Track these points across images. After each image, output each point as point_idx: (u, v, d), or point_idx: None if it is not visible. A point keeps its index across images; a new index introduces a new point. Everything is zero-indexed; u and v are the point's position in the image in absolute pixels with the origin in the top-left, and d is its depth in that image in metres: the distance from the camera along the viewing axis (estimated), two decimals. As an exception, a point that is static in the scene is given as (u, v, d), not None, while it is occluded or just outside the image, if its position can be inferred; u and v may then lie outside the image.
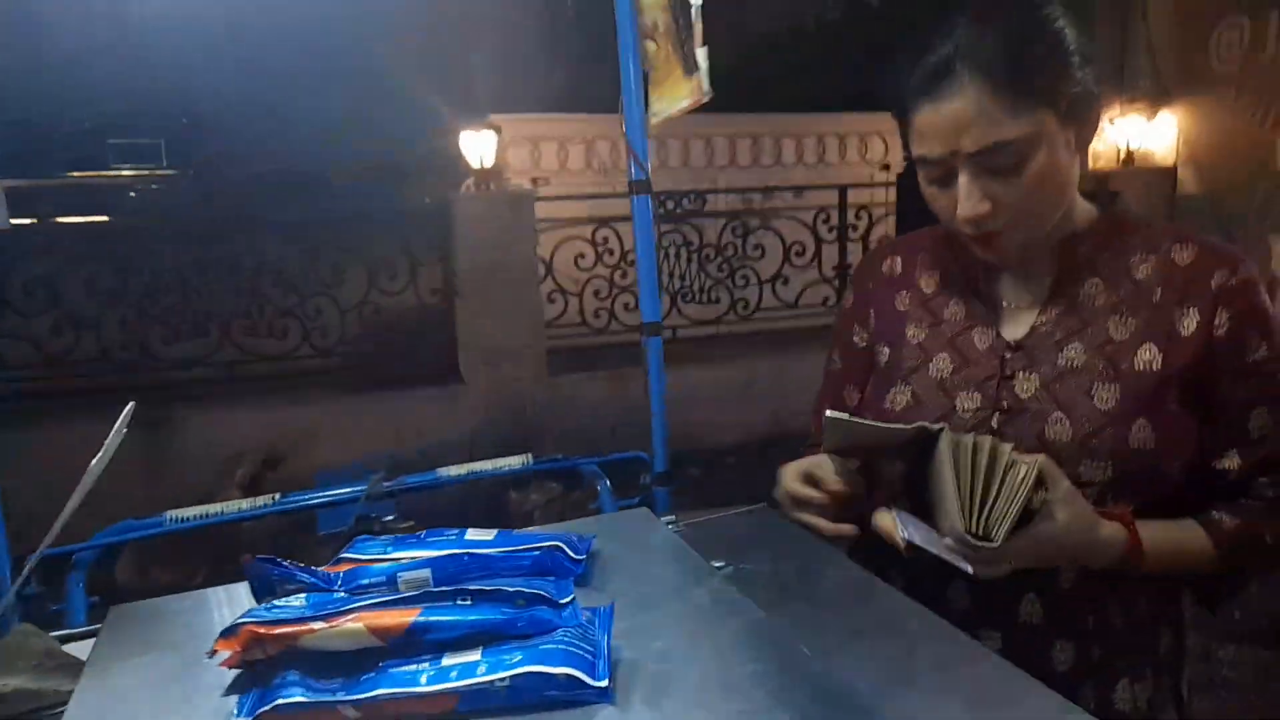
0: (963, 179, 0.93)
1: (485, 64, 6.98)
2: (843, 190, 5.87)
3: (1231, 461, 0.98)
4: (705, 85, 1.24)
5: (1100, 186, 1.10)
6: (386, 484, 1.61)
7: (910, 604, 0.88)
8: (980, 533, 0.84)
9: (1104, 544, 0.91)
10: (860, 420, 0.94)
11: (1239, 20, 5.07)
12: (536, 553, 0.79)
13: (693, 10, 1.20)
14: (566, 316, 5.22)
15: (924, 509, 0.93)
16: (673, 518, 1.12)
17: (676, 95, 1.25)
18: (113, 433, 0.74)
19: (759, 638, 0.72)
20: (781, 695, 0.63)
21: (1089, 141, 0.98)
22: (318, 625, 0.65)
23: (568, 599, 0.71)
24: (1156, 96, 5.61)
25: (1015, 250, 0.99)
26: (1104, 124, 5.65)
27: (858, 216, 5.85)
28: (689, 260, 5.57)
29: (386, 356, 4.99)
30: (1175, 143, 5.56)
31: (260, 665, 0.67)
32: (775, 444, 1.28)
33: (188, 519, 1.54)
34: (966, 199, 0.94)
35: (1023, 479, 0.84)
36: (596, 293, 5.27)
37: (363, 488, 1.57)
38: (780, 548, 1.00)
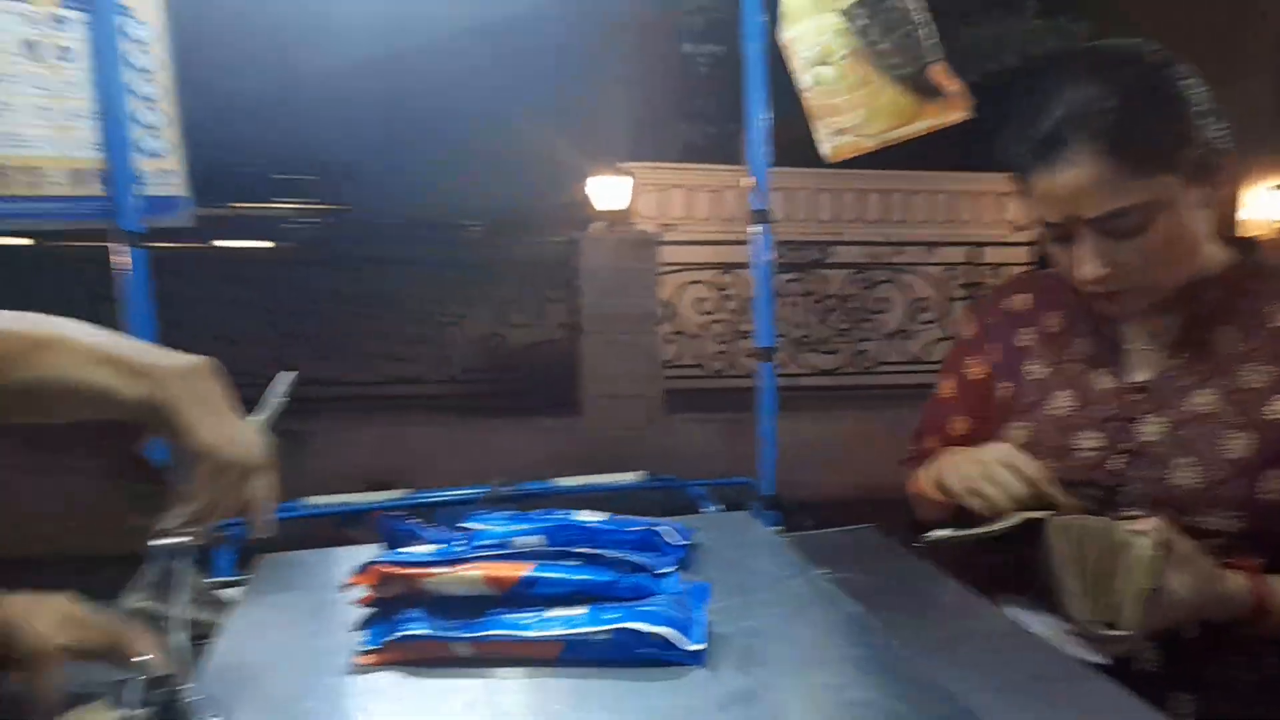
0: (1083, 243, 0.93)
1: (619, 116, 7.24)
2: (976, 246, 5.76)
3: None
4: (963, 101, 1.24)
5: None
6: (505, 489, 1.69)
7: (1013, 624, 0.88)
8: (1107, 619, 0.82)
9: (1229, 597, 0.88)
10: (959, 534, 0.94)
11: None
12: (639, 533, 0.84)
13: (922, 30, 1.21)
14: (685, 358, 5.29)
15: (1040, 596, 0.91)
16: (772, 528, 1.14)
17: (909, 112, 1.24)
18: (273, 396, 0.84)
19: (851, 627, 0.74)
20: (869, 676, 0.65)
21: (1219, 194, 0.96)
22: (441, 570, 0.72)
23: (668, 570, 0.76)
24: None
25: (1138, 308, 0.98)
26: (1264, 191, 5.36)
27: (989, 276, 5.72)
28: (809, 311, 5.56)
29: (510, 387, 5.18)
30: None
31: (388, 604, 0.74)
32: (885, 501, 1.29)
33: (320, 506, 1.66)
34: (1086, 263, 0.93)
35: (1150, 557, 0.81)
36: (716, 336, 5.33)
37: (484, 490, 1.66)
38: (881, 563, 1.01)
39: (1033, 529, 0.89)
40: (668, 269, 5.23)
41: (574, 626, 0.68)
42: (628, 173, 5.60)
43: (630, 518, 0.89)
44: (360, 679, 0.68)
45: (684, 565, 0.84)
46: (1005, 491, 0.94)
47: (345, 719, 0.64)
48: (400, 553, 0.76)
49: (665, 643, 0.67)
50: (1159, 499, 0.95)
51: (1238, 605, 0.88)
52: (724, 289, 5.29)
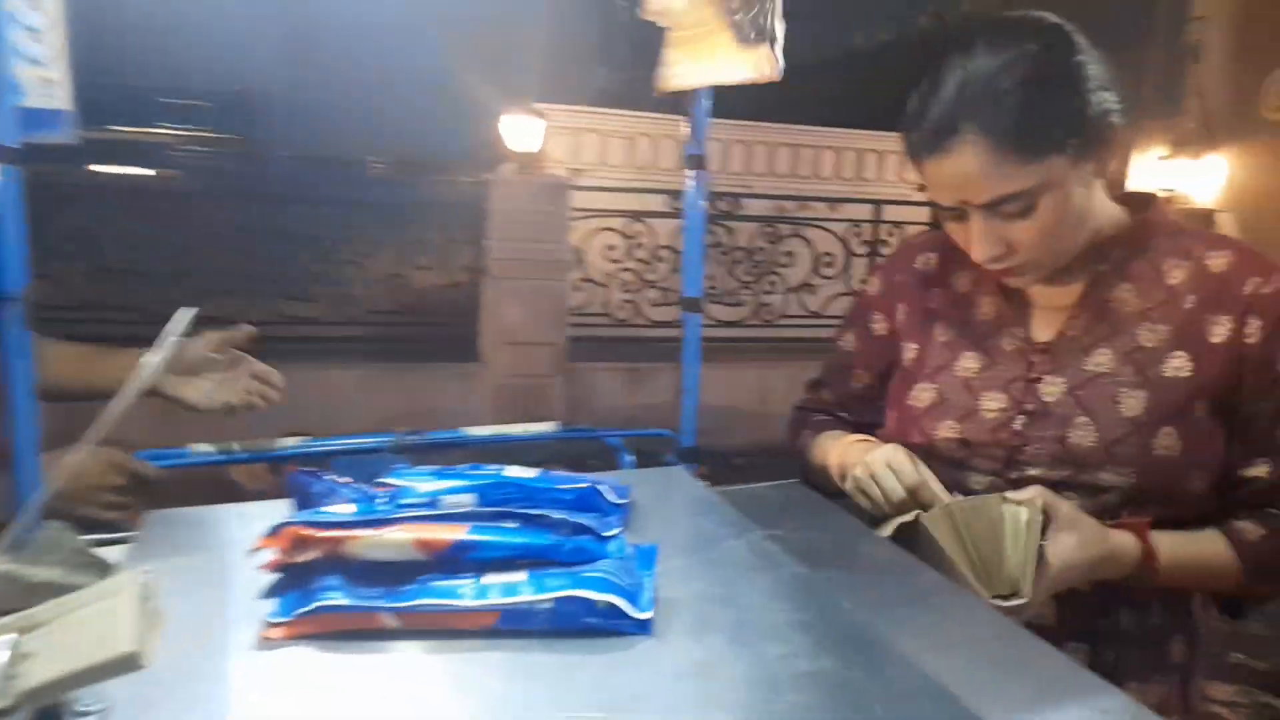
0: (975, 225, 0.94)
1: (534, 56, 7.02)
2: (877, 205, 5.86)
3: (1259, 471, 0.96)
4: (780, 61, 1.22)
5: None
6: (410, 438, 1.61)
7: (946, 583, 0.87)
8: (1006, 591, 0.84)
9: (1117, 555, 0.91)
10: None
11: (1293, 70, 5.03)
12: (579, 490, 0.79)
13: None
14: (592, 306, 5.23)
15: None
16: (703, 483, 1.11)
17: (730, 62, 1.22)
18: (169, 333, 0.74)
19: (799, 589, 0.71)
20: (824, 643, 0.62)
21: (1110, 161, 0.97)
22: (364, 533, 0.65)
23: (613, 532, 0.71)
24: (1204, 140, 5.56)
25: (1037, 277, 0.99)
26: (1152, 160, 5.61)
27: (890, 233, 5.83)
28: (717, 263, 5.56)
29: (413, 331, 5.01)
30: (1219, 187, 5.51)
31: (300, 570, 0.67)
32: (786, 452, 1.29)
33: (211, 453, 1.54)
34: (980, 243, 0.94)
35: (1026, 523, 0.84)
36: (624, 285, 5.27)
37: (388, 439, 1.58)
38: (814, 520, 0.99)
39: (908, 529, 0.91)
40: (578, 215, 5.12)
41: (513, 594, 0.62)
42: (540, 114, 5.43)
43: (562, 473, 0.84)
44: (268, 655, 0.61)
45: (623, 525, 0.80)
46: (888, 495, 0.97)
47: (249, 703, 0.57)
48: (318, 513, 0.69)
49: (613, 611, 0.62)
50: (1058, 457, 0.97)
51: (1127, 563, 0.92)
52: (634, 237, 5.23)
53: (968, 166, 0.90)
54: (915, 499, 0.96)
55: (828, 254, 5.67)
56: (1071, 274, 1.02)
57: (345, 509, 0.70)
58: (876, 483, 0.99)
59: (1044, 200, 0.91)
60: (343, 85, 7.14)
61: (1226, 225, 5.40)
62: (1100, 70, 0.92)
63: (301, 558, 0.66)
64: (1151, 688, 0.99)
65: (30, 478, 0.93)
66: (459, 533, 0.65)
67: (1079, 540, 0.88)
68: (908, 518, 0.91)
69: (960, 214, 0.96)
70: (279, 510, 0.85)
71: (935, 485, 0.97)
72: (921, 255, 1.16)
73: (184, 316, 0.78)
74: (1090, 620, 0.97)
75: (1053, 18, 0.94)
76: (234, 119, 7.65)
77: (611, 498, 0.80)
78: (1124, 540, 0.92)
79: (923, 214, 6.62)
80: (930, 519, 0.89)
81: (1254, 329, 0.94)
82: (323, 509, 0.70)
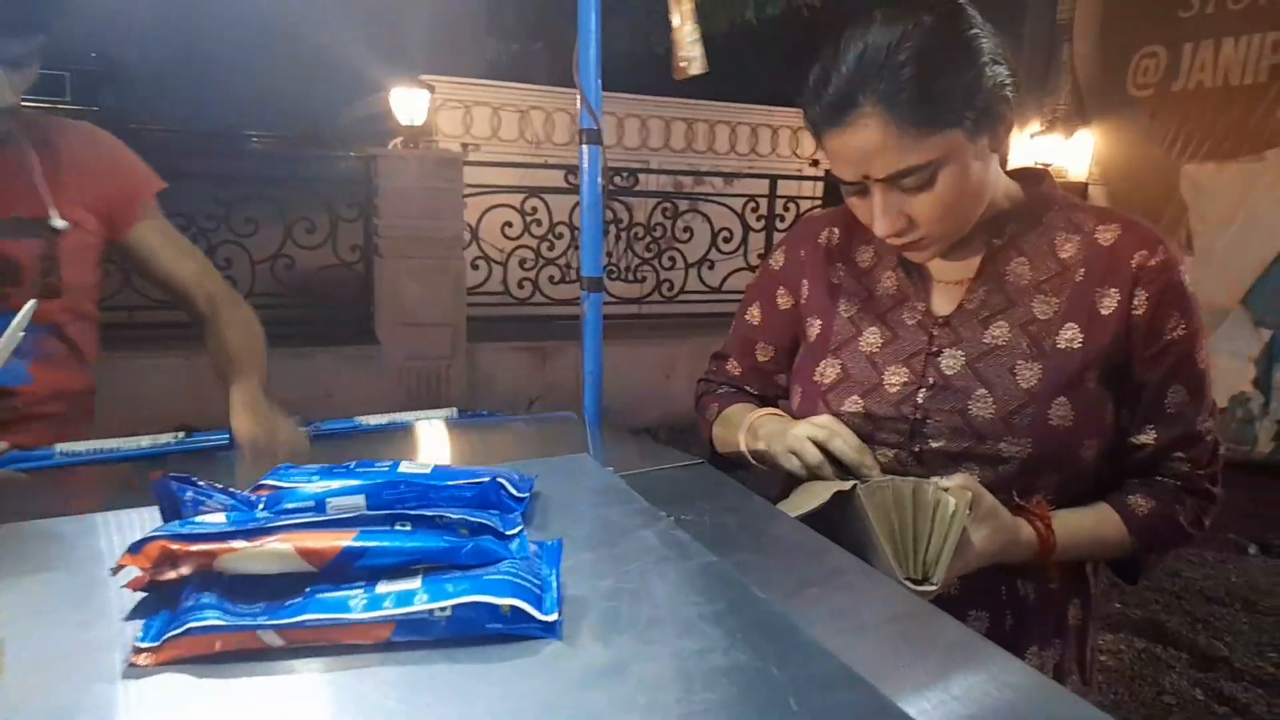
0: (876, 199, 0.95)
1: (421, 27, 6.79)
2: (773, 180, 5.92)
3: (1147, 438, 1.00)
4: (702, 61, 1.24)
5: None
6: (303, 428, 1.52)
7: (853, 560, 0.87)
8: (918, 575, 0.86)
9: (1022, 547, 0.94)
10: (788, 512, 0.94)
11: (1156, 49, 5.30)
12: (478, 486, 0.75)
13: None
14: (489, 285, 5.12)
15: (849, 550, 0.93)
16: (610, 469, 1.08)
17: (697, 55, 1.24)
18: (10, 329, 0.66)
19: (711, 579, 0.69)
20: (738, 635, 0.61)
21: (1007, 136, 0.99)
22: (239, 544, 0.60)
23: (515, 530, 0.67)
24: (1075, 116, 5.82)
25: (934, 255, 1.01)
26: (1026, 138, 5.84)
27: (785, 208, 5.91)
28: (617, 239, 5.53)
29: (300, 314, 4.81)
30: (1089, 161, 5.79)
31: (169, 588, 0.61)
32: (693, 426, 1.28)
33: (80, 453, 1.43)
34: (881, 217, 0.95)
35: (953, 514, 0.86)
36: (522, 263, 5.18)
37: (276, 432, 1.49)
38: (721, 502, 0.98)
39: (842, 496, 0.92)
40: (472, 191, 5.00)
41: (408, 603, 0.58)
42: (428, 86, 5.26)
43: (464, 468, 0.79)
44: (137, 684, 0.55)
45: (526, 519, 0.76)
46: (812, 461, 0.98)
47: (118, 737, 0.51)
48: (187, 524, 0.63)
49: (517, 614, 0.59)
50: (959, 429, 0.99)
51: (1030, 552, 0.96)
52: (531, 214, 5.14)
53: (868, 140, 0.90)
54: (846, 469, 0.97)
55: (725, 229, 5.71)
56: (969, 247, 1.03)
57: (218, 518, 0.64)
58: (802, 451, 0.99)
59: (943, 173, 0.91)
60: (218, 55, 6.75)
61: (1099, 199, 5.68)
62: (993, 45, 0.93)
63: (170, 575, 0.60)
64: (1050, 651, 1.02)
65: None
66: (346, 539, 0.61)
67: (993, 534, 0.91)
68: (844, 486, 0.91)
69: (862, 189, 0.96)
70: (141, 521, 0.78)
71: (865, 456, 0.99)
72: (825, 230, 1.16)
73: (29, 309, 0.70)
74: (991, 590, 1.00)
75: None
76: (96, 91, 7.15)
77: (514, 491, 0.77)
78: (1028, 533, 0.95)
79: (817, 189, 6.75)
80: (866, 491, 0.89)
81: (1141, 301, 0.97)
82: (193, 519, 0.64)
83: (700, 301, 5.63)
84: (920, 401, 1.01)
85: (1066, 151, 5.86)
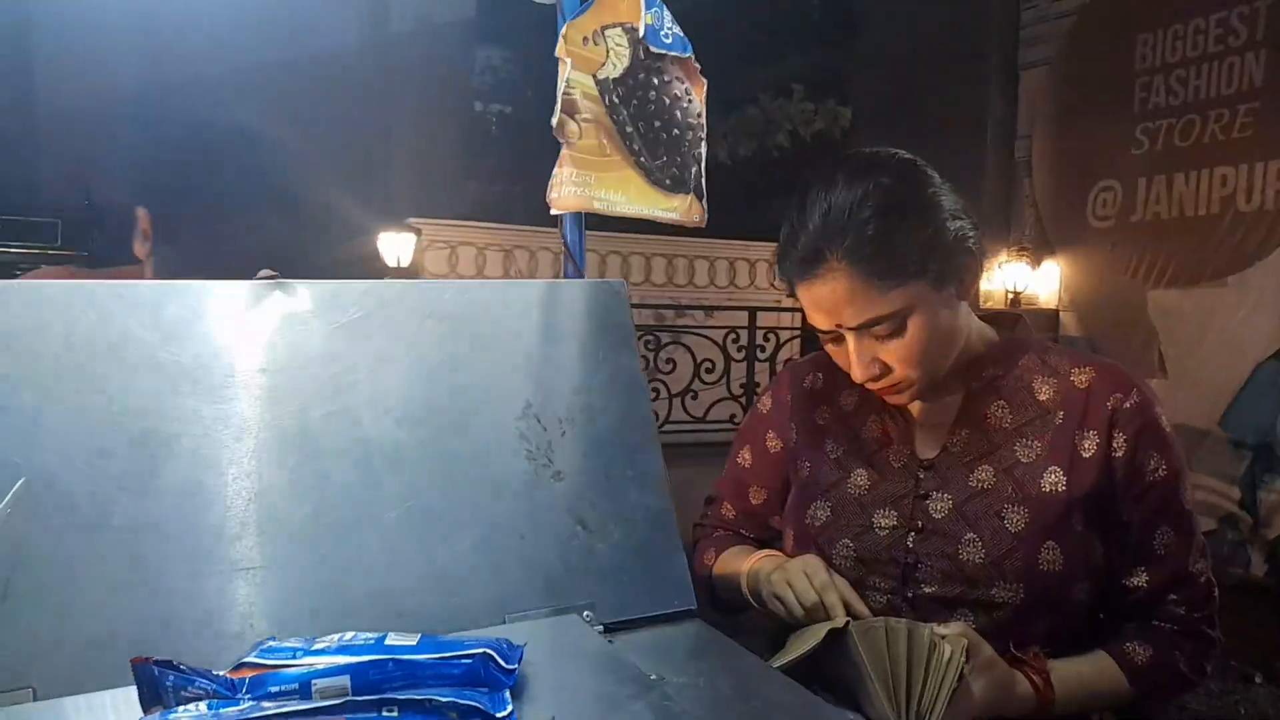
0: (850, 346, 0.99)
1: (408, 173, 7.05)
2: (752, 312, 6.06)
3: (1140, 579, 1.00)
4: (704, 212, 1.28)
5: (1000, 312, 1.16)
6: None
7: (843, 716, 0.85)
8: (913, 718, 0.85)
9: (1019, 700, 0.93)
10: (784, 660, 0.94)
11: (1112, 183, 5.56)
12: (467, 661, 0.73)
13: (696, 133, 1.22)
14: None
15: (844, 696, 0.92)
16: (600, 626, 1.06)
17: (649, 198, 1.25)
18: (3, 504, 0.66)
19: (707, 758, 0.67)
20: (737, 823, 0.58)
21: (973, 285, 1.04)
22: (221, 739, 0.58)
23: (505, 712, 0.66)
24: (1040, 247, 6.05)
25: (915, 395, 1.03)
26: (995, 267, 6.04)
27: (765, 338, 6.02)
28: (601, 372, 5.57)
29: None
30: (1058, 289, 5.97)
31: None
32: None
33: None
34: (856, 363, 0.99)
35: (949, 660, 0.86)
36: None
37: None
38: (713, 661, 0.95)
39: (836, 637, 0.91)
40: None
41: (395, 798, 0.56)
42: (414, 229, 5.42)
43: (453, 638, 0.77)
44: None
45: (515, 692, 0.74)
46: (800, 598, 0.98)
47: None
48: (167, 716, 0.61)
49: (507, 809, 0.57)
50: (950, 575, 0.98)
51: (1026, 706, 0.94)
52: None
53: (836, 291, 0.94)
54: (827, 607, 0.96)
55: (708, 360, 5.79)
56: (948, 391, 1.06)
57: (200, 708, 0.62)
58: (790, 587, 0.99)
59: (912, 321, 0.95)
60: (209, 199, 6.94)
61: (1070, 325, 5.83)
62: (952, 200, 0.98)
63: (147, 774, 0.58)
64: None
65: None
66: (333, 729, 0.59)
67: (990, 686, 0.90)
68: (838, 623, 0.90)
69: (837, 336, 0.99)
70: (123, 701, 0.75)
71: (849, 594, 0.98)
72: (809, 375, 1.19)
73: (22, 489, 0.70)
74: None
75: (905, 154, 1.00)
76: (86, 236, 7.29)
77: (502, 664, 0.75)
78: (1025, 686, 0.94)
79: (795, 320, 6.89)
80: (860, 629, 0.88)
81: (1120, 443, 0.99)
82: (174, 710, 0.62)
83: (685, 431, 5.64)
84: (910, 545, 1.01)
85: (1036, 280, 6.05)
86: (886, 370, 0.98)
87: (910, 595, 1.01)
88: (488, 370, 0.96)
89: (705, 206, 1.30)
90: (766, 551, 1.14)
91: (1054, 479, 0.99)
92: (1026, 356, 1.07)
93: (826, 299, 0.96)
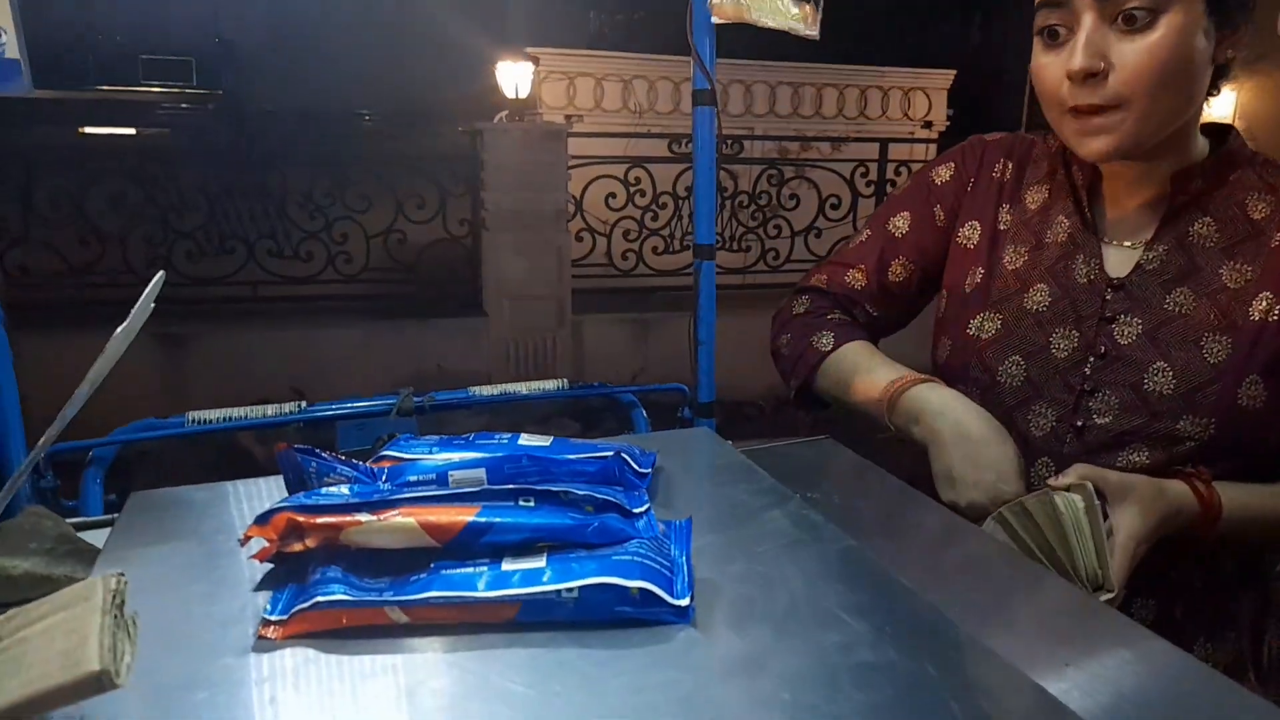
0: (1085, 26, 0.82)
1: (525, 1, 6.81)
2: (883, 144, 5.71)
3: None
4: (815, 27, 1.21)
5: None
6: (417, 399, 1.54)
7: (998, 545, 0.81)
8: (1090, 588, 0.79)
9: (1177, 509, 0.84)
10: None
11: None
12: (601, 461, 0.72)
13: None
14: (593, 256, 5.12)
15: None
16: (730, 444, 1.03)
17: (781, 11, 1.23)
18: (139, 303, 0.66)
19: (850, 566, 0.64)
20: (885, 629, 0.56)
21: (1228, 58, 0.88)
22: (364, 517, 0.58)
23: (642, 508, 0.64)
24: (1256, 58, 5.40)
25: (1121, 144, 0.86)
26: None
27: (897, 172, 5.70)
28: (721, 207, 5.43)
29: (410, 288, 4.93)
30: (1233, 110, 5.36)
31: (296, 559, 0.60)
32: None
33: (209, 421, 1.48)
34: (1081, 49, 0.82)
35: (1086, 509, 0.79)
36: (626, 234, 5.16)
37: (393, 401, 1.51)
38: (851, 482, 0.92)
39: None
40: (576, 163, 5.00)
41: (534, 583, 0.55)
42: (532, 58, 5.27)
43: (584, 442, 0.76)
44: (266, 658, 0.54)
45: (649, 497, 0.73)
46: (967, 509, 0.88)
47: (249, 711, 0.50)
48: (311, 495, 0.62)
49: (647, 598, 0.55)
50: (1129, 406, 0.89)
51: (1188, 514, 0.85)
52: (635, 184, 5.10)
53: None
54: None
55: (834, 196, 5.55)
56: (1147, 204, 0.93)
57: (341, 489, 0.62)
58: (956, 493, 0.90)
59: (1166, 20, 0.80)
60: (329, 36, 6.94)
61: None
62: None
63: (296, 547, 0.59)
64: (1222, 645, 0.93)
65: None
66: (470, 514, 0.58)
67: (1139, 509, 0.82)
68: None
69: (1066, 27, 0.84)
70: (270, 491, 0.78)
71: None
72: (999, 160, 1.04)
73: (159, 282, 0.70)
74: (1158, 575, 0.90)
75: None
76: (217, 75, 7.46)
77: (636, 467, 0.73)
78: (1180, 492, 0.85)
79: (930, 152, 6.48)
80: (997, 519, 0.83)
81: None
82: (318, 490, 0.63)
83: (805, 271, 5.50)
84: (1089, 372, 0.92)
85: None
86: (1106, 78, 0.82)
87: (1079, 424, 0.92)
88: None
89: (819, 16, 1.23)
90: (913, 375, 0.99)
91: (1265, 306, 0.87)
92: (1239, 171, 0.92)
93: None
